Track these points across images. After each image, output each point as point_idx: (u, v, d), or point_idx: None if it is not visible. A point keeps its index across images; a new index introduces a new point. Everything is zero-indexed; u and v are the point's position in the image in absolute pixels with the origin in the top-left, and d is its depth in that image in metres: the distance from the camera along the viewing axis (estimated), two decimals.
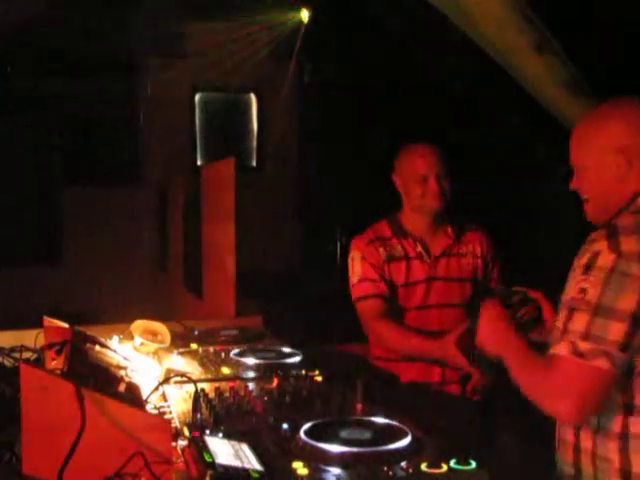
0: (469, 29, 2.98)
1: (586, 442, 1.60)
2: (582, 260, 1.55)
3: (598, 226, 1.72)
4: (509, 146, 4.05)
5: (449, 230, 2.68)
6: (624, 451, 1.54)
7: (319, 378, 1.97)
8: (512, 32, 2.94)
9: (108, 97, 6.70)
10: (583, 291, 1.51)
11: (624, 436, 1.54)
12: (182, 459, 1.49)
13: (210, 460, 1.30)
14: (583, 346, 1.47)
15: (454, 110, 4.32)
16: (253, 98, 7.35)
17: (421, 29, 4.19)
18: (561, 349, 1.50)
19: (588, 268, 1.52)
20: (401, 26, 4.55)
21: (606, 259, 1.50)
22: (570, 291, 1.54)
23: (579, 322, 1.49)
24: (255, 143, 7.36)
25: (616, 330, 1.46)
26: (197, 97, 7.31)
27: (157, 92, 6.95)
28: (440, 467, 1.33)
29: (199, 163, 7.28)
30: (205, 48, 6.62)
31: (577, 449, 1.62)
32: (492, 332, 1.78)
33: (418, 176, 2.60)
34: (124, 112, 7.01)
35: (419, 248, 2.64)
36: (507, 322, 1.78)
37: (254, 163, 7.36)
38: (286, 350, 2.28)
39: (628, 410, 1.53)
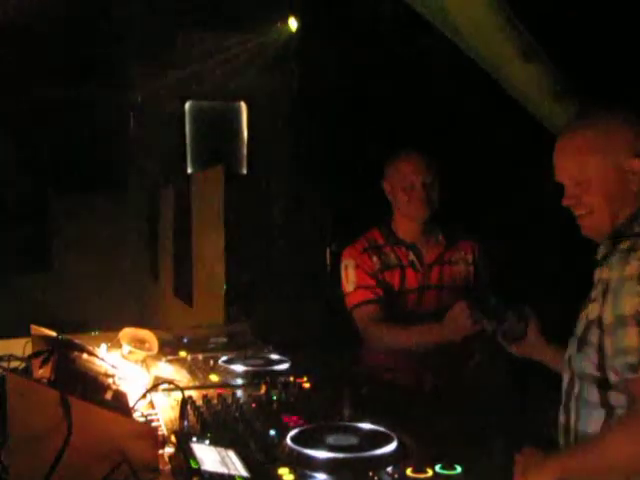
0: (456, 37, 3.00)
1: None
2: (629, 270, 1.46)
3: (598, 238, 1.66)
4: (508, 155, 4.05)
5: (440, 237, 2.68)
6: None
7: (307, 385, 1.98)
8: (498, 40, 2.96)
9: (98, 105, 6.71)
10: None
11: None
12: (169, 466, 1.50)
13: (196, 467, 1.30)
14: None
15: (449, 118, 4.34)
16: (243, 106, 7.36)
17: (412, 37, 4.21)
18: None
19: None
20: (391, 34, 4.57)
21: None
22: (629, 305, 1.44)
23: None
24: (245, 151, 7.38)
25: None
26: (187, 105, 7.32)
27: (147, 100, 6.96)
28: (426, 472, 1.33)
29: (189, 171, 7.29)
30: (195, 57, 6.64)
31: None
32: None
33: (405, 183, 2.59)
34: (114, 120, 7.02)
35: (411, 256, 2.63)
36: (546, 458, 1.51)
37: (244, 171, 7.36)
38: (274, 357, 2.28)
39: None
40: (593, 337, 1.57)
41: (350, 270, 2.63)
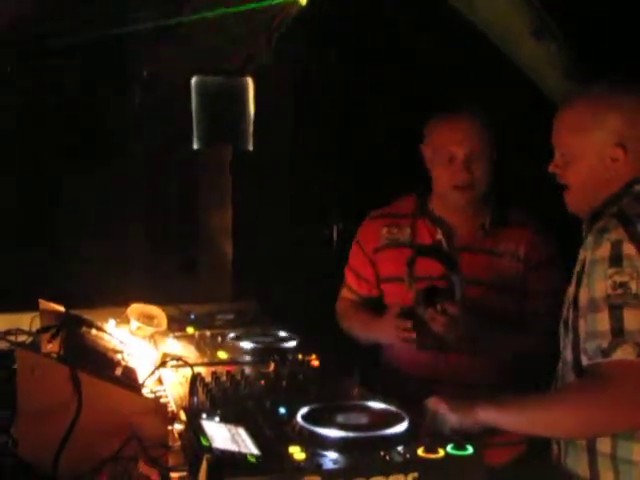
0: (468, 12, 2.96)
1: (603, 444, 1.51)
2: (601, 252, 1.44)
3: (581, 215, 1.67)
4: (518, 132, 4.00)
5: (487, 220, 2.15)
6: None
7: (316, 362, 1.97)
8: (510, 15, 2.92)
9: (103, 78, 6.65)
10: (623, 285, 1.39)
11: None
12: (179, 443, 1.49)
13: (207, 444, 1.30)
14: None
15: (459, 97, 4.29)
16: (250, 82, 7.31)
17: (422, 13, 4.16)
18: (626, 353, 1.37)
19: (616, 260, 1.41)
20: (402, 9, 4.51)
21: (631, 248, 1.41)
22: (600, 288, 1.43)
23: (635, 319, 1.37)
24: (252, 127, 7.33)
25: None
26: (193, 80, 7.27)
27: (153, 75, 6.90)
28: (437, 452, 1.32)
29: (195, 147, 7.25)
30: (202, 31, 6.57)
31: (592, 452, 1.53)
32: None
33: (444, 154, 2.09)
34: (119, 94, 6.97)
35: (439, 235, 2.16)
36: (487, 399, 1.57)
37: (250, 147, 7.33)
38: (283, 334, 2.27)
39: None
40: (570, 319, 1.58)
41: (355, 241, 2.36)
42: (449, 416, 1.51)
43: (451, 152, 2.09)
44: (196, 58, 6.79)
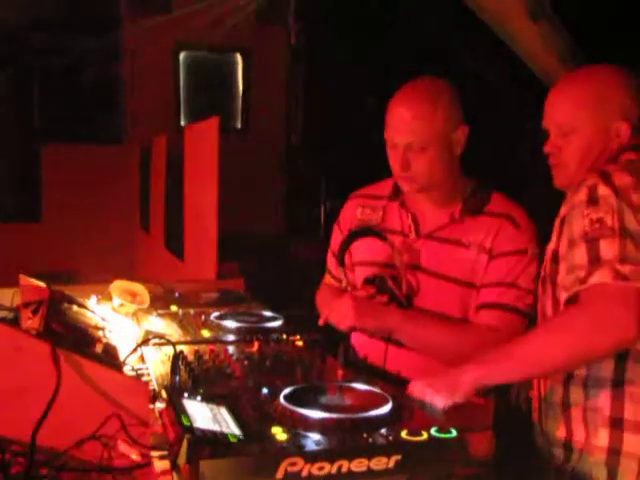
0: None
1: (577, 395, 1.58)
2: (579, 197, 1.50)
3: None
4: (513, 115, 3.98)
5: (458, 208, 1.95)
6: (616, 399, 1.52)
7: (300, 343, 1.96)
8: None
9: (91, 53, 6.58)
10: (599, 221, 1.44)
11: (617, 383, 1.52)
12: (159, 422, 1.47)
13: (188, 423, 1.28)
14: (625, 269, 1.39)
15: (451, 77, 4.27)
16: (239, 58, 7.24)
17: None
18: (602, 277, 1.40)
19: (593, 200, 1.47)
20: None
21: (606, 189, 1.46)
22: (578, 227, 1.47)
23: (611, 248, 1.41)
24: (240, 104, 7.28)
25: None
26: (182, 56, 7.21)
27: (141, 50, 6.83)
28: (421, 435, 1.31)
29: (182, 123, 7.19)
30: (191, 6, 6.50)
31: (566, 405, 1.60)
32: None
33: (387, 138, 1.92)
34: (107, 69, 6.89)
35: (409, 221, 1.99)
36: (460, 372, 1.55)
37: (239, 124, 7.27)
38: (267, 314, 2.25)
39: (621, 356, 1.51)
40: (548, 274, 1.62)
41: (335, 223, 2.24)
42: (437, 400, 1.50)
43: (391, 138, 1.91)
44: (184, 34, 6.72)
